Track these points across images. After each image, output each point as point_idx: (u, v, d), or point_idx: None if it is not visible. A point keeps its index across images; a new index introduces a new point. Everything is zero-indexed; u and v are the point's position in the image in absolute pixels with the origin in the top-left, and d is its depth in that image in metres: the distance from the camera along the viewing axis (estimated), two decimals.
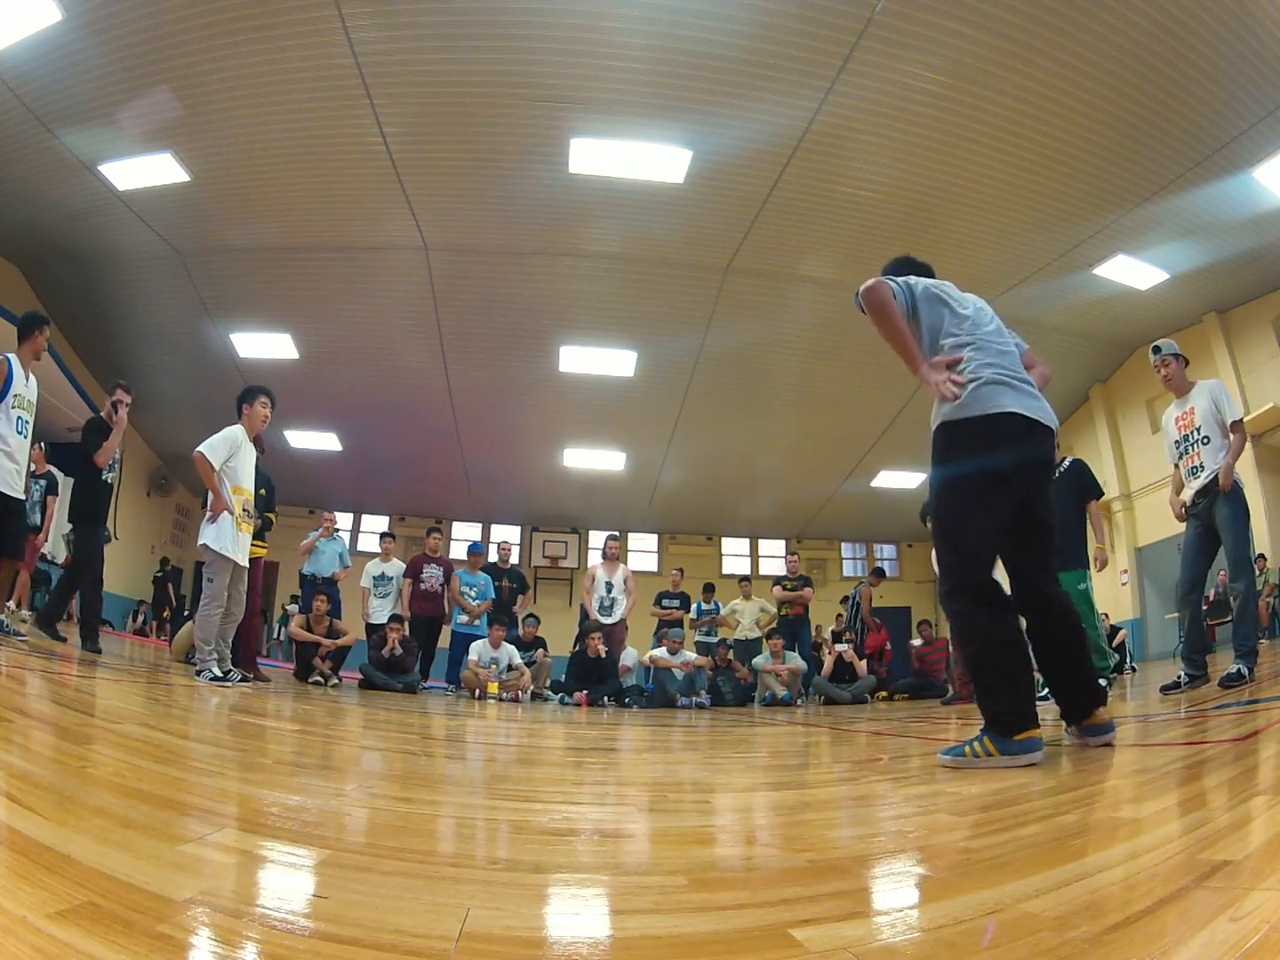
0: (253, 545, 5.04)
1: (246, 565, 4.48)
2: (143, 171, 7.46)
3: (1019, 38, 5.85)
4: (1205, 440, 3.91)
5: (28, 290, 9.46)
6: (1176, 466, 4.21)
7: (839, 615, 8.80)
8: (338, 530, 7.49)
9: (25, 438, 4.21)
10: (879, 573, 9.27)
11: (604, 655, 6.83)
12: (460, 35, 6.03)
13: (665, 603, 8.40)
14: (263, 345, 10.44)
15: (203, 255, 8.97)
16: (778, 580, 8.52)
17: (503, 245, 8.73)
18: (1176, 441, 4.12)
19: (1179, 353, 4.18)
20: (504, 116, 6.84)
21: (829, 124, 6.80)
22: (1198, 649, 3.95)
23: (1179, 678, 3.87)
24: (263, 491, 5.29)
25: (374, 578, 7.14)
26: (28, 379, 4.24)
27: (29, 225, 8.32)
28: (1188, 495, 4.01)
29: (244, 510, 4.37)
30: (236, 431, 4.42)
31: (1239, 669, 3.59)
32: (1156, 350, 4.20)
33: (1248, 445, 9.24)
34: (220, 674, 4.14)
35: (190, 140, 7.13)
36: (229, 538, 4.26)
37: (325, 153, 7.36)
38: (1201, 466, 3.92)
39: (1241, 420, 3.91)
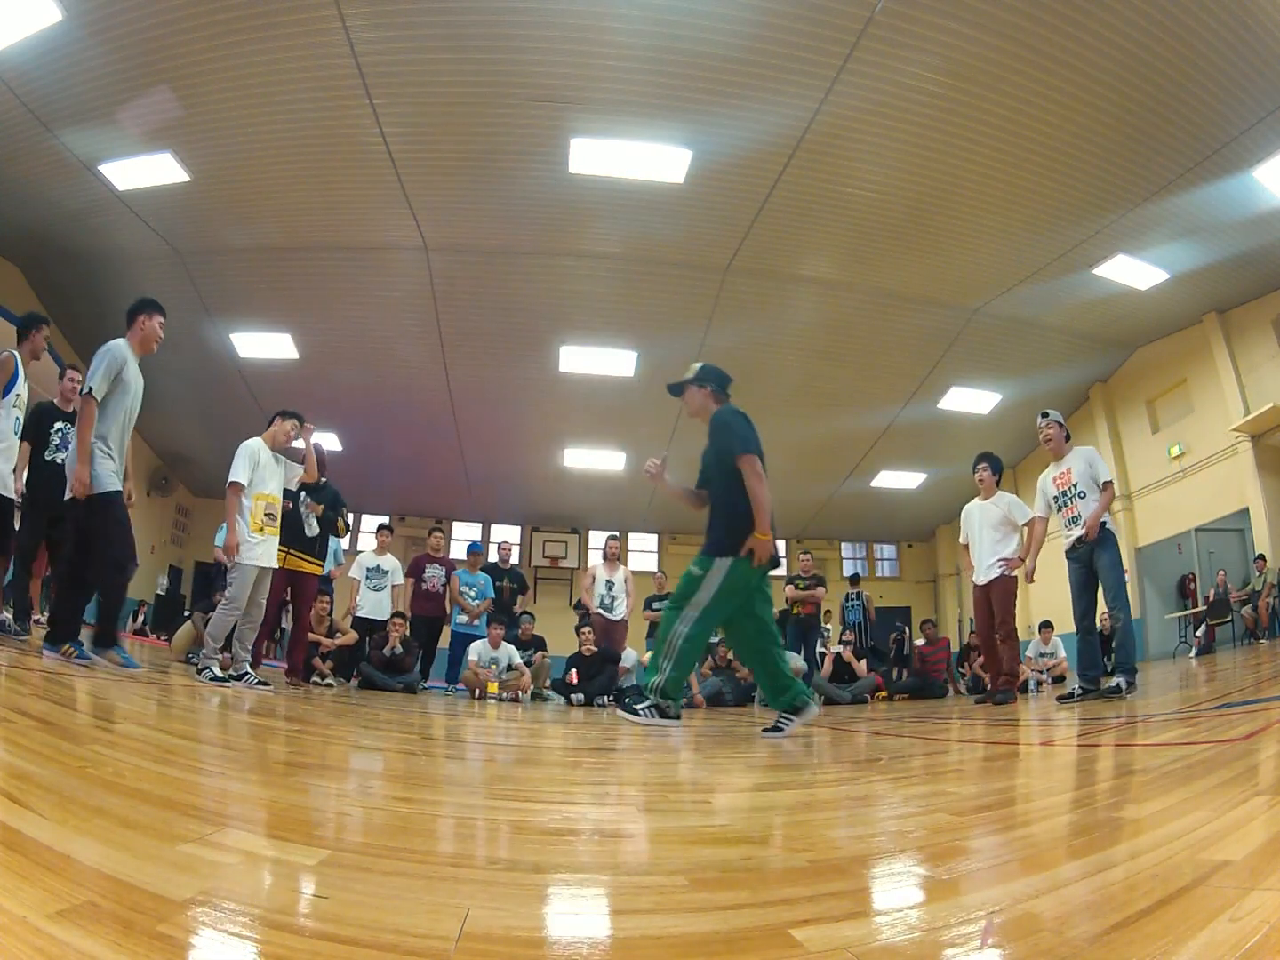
0: (307, 561, 5.37)
1: (272, 568, 4.51)
2: (143, 171, 7.47)
3: (1019, 38, 5.86)
4: (1082, 495, 4.57)
5: (28, 290, 9.46)
6: (1039, 518, 4.90)
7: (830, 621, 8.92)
8: None
9: (17, 436, 4.25)
10: (855, 579, 10.05)
11: (595, 651, 6.88)
12: (460, 35, 6.04)
13: (655, 605, 8.42)
14: (263, 345, 10.45)
15: (203, 255, 8.97)
16: (790, 579, 8.54)
17: (503, 245, 8.74)
18: (1056, 496, 4.73)
19: (1063, 421, 4.87)
20: (504, 116, 6.85)
21: (829, 124, 6.81)
22: (1090, 666, 4.57)
23: (1074, 690, 4.45)
24: (322, 507, 5.63)
25: (367, 569, 7.05)
26: (24, 380, 4.26)
27: (29, 225, 8.33)
28: (1068, 541, 4.63)
29: (266, 515, 4.41)
30: (253, 444, 4.49)
31: (1119, 683, 4.14)
32: (1045, 415, 4.87)
33: (1248, 446, 9.38)
34: (220, 674, 4.14)
35: (190, 140, 7.13)
36: (249, 544, 4.30)
37: (325, 153, 7.37)
38: (1079, 517, 4.57)
39: (1111, 481, 4.61)
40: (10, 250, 8.94)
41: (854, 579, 9.95)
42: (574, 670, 6.75)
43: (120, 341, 3.78)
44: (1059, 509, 4.74)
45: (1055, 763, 2.14)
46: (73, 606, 3.67)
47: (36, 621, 5.37)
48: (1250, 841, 0.91)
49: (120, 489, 3.60)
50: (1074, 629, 4.75)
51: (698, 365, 3.49)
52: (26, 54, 5.94)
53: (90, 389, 3.55)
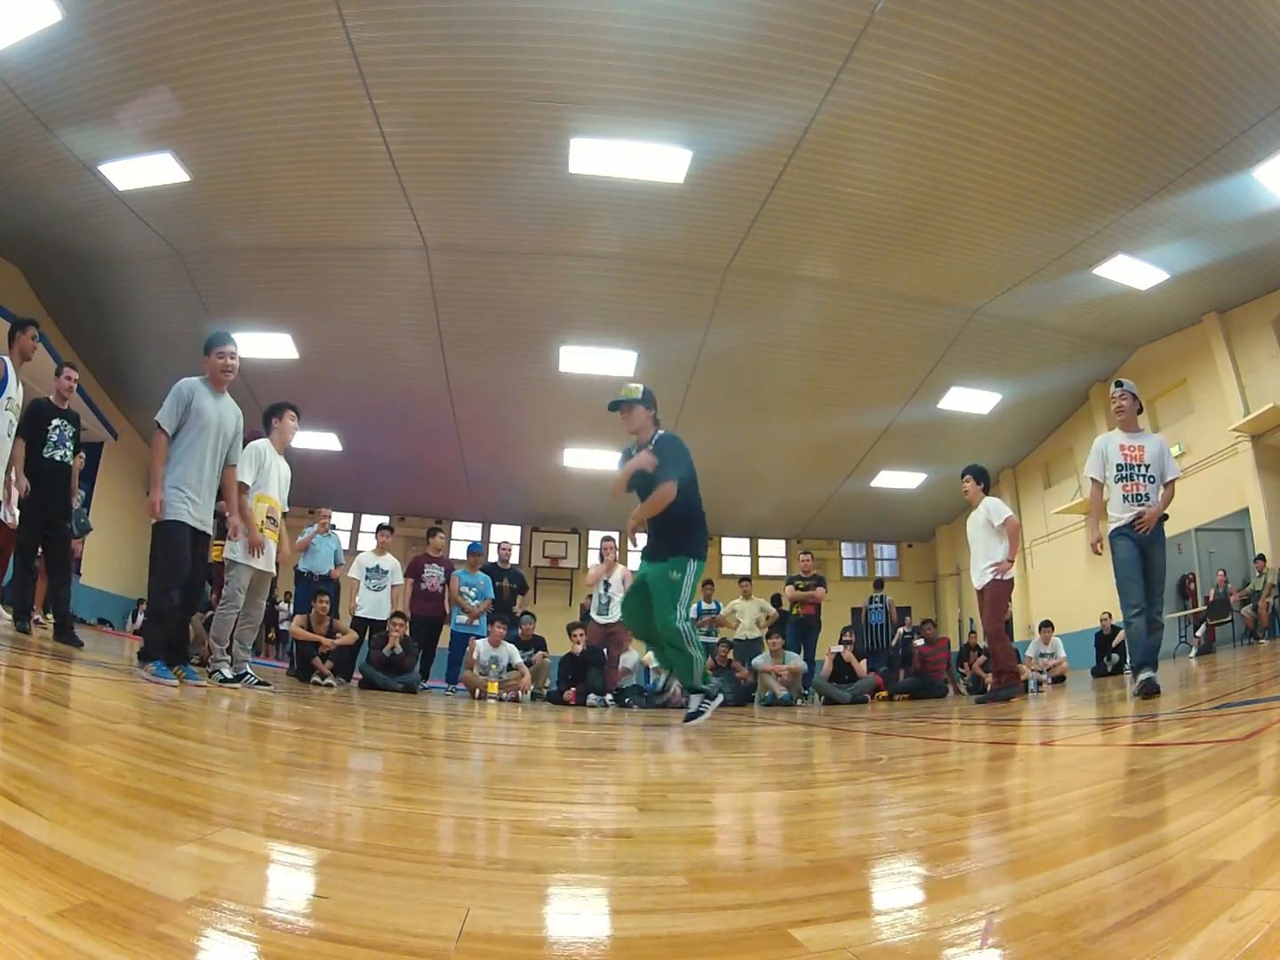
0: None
1: (271, 571, 4.50)
2: (143, 171, 7.47)
3: (1019, 38, 5.86)
4: (1152, 479, 4.36)
5: (28, 290, 9.46)
6: (1095, 481, 4.51)
7: (846, 629, 8.90)
8: (334, 528, 7.47)
9: (10, 438, 4.27)
10: (880, 583, 10.00)
11: (584, 650, 6.89)
12: (460, 35, 6.04)
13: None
14: (263, 345, 10.44)
15: (203, 255, 8.97)
16: (791, 579, 8.56)
17: (503, 245, 8.74)
18: (1120, 465, 4.42)
19: (1136, 393, 4.58)
20: (504, 116, 6.85)
21: (829, 124, 6.80)
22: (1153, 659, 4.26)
23: (1151, 680, 3.96)
24: None
25: (367, 569, 7.04)
26: (17, 383, 4.27)
27: (29, 225, 8.33)
28: (1126, 519, 4.33)
29: (267, 518, 4.40)
30: (259, 445, 4.49)
31: (1154, 677, 3.91)
32: (1119, 384, 4.55)
33: (1248, 446, 9.38)
34: (231, 675, 4.14)
35: (190, 140, 7.13)
36: (244, 545, 4.29)
37: (325, 153, 7.37)
38: (1146, 496, 4.32)
39: (1175, 480, 4.44)
40: (10, 250, 8.94)
41: (879, 583, 10.04)
42: (570, 688, 6.74)
43: (192, 378, 3.82)
44: (1120, 479, 4.36)
45: (1055, 763, 2.14)
46: (156, 632, 3.69)
47: (37, 622, 5.36)
48: (1250, 841, 0.91)
49: (182, 520, 3.57)
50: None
51: (640, 387, 4.02)
52: (26, 54, 5.94)
53: (159, 422, 3.63)
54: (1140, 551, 4.27)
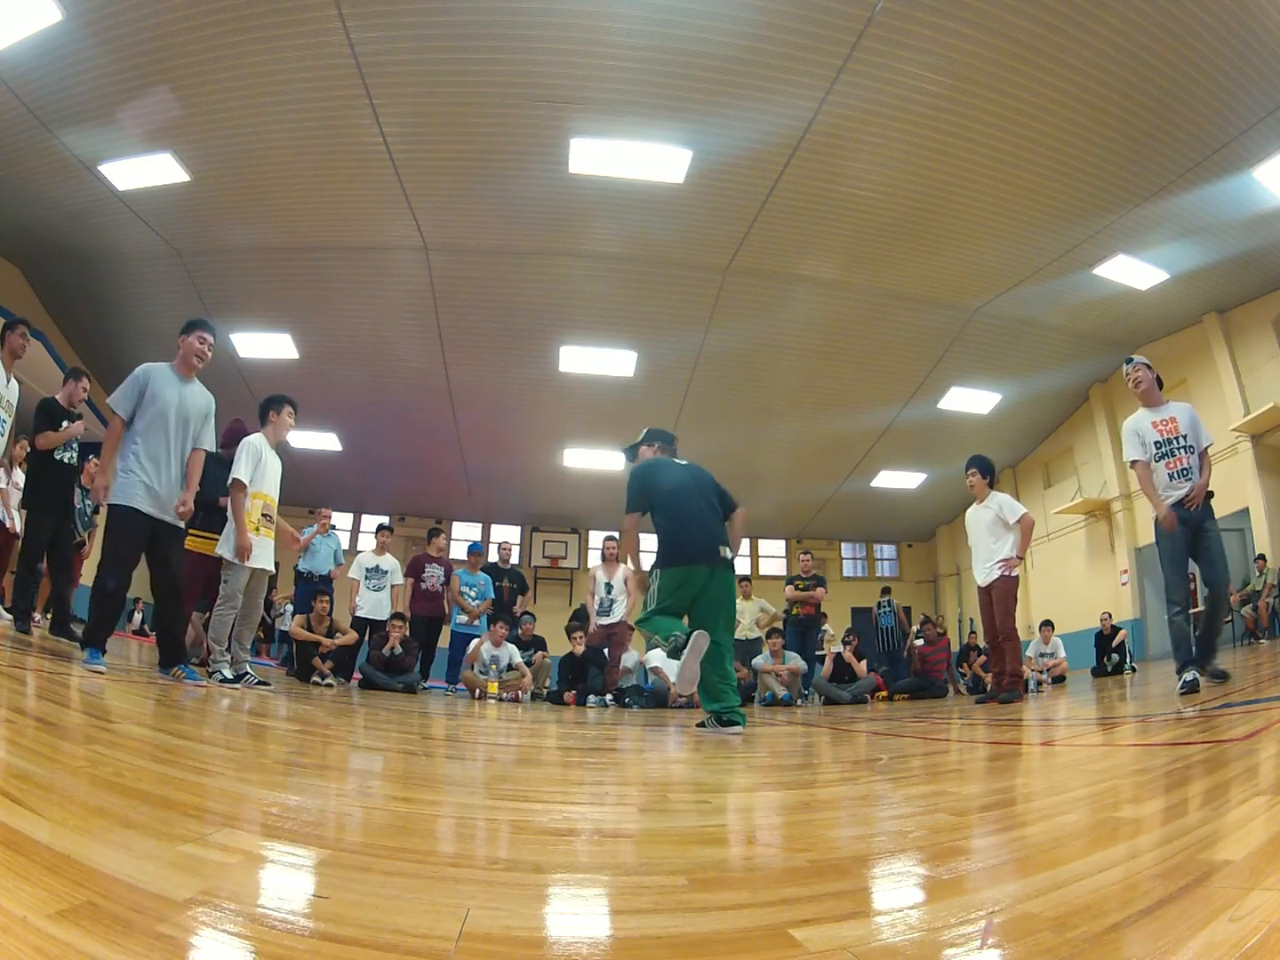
0: (202, 537, 4.78)
1: (269, 569, 4.49)
2: (143, 171, 7.48)
3: (1019, 38, 5.86)
4: (1190, 449, 4.13)
5: (28, 290, 9.46)
6: (1134, 465, 4.27)
7: (848, 630, 8.90)
8: (334, 528, 7.46)
9: (4, 437, 4.28)
10: (887, 590, 9.97)
11: (585, 652, 6.88)
12: (460, 35, 6.04)
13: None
14: (263, 345, 10.45)
15: (203, 255, 8.98)
16: (790, 579, 8.58)
17: (502, 245, 8.74)
18: (1158, 442, 4.20)
19: (1151, 365, 4.40)
20: (504, 116, 6.85)
21: (829, 124, 6.81)
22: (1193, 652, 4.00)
23: (1196, 680, 3.75)
24: None
25: (366, 569, 7.03)
26: (9, 381, 4.26)
27: (29, 225, 8.33)
28: (1175, 497, 4.09)
29: (263, 515, 4.36)
30: (254, 440, 4.41)
31: (1197, 678, 3.69)
32: (1129, 360, 4.41)
33: (1248, 446, 9.37)
34: (231, 676, 4.12)
35: (190, 140, 7.13)
36: (234, 546, 4.27)
37: (325, 153, 7.37)
38: (1190, 470, 4.08)
39: (1209, 447, 4.21)
40: (10, 250, 8.94)
41: (885, 589, 10.12)
42: (572, 689, 6.72)
43: (155, 363, 3.73)
44: (1161, 457, 4.14)
45: (1055, 763, 2.14)
46: (167, 629, 3.74)
47: (35, 621, 5.36)
48: (1250, 841, 0.91)
49: (134, 505, 3.47)
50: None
51: (645, 430, 4.26)
52: (26, 54, 5.94)
53: (110, 405, 3.56)
54: (1192, 534, 4.04)
